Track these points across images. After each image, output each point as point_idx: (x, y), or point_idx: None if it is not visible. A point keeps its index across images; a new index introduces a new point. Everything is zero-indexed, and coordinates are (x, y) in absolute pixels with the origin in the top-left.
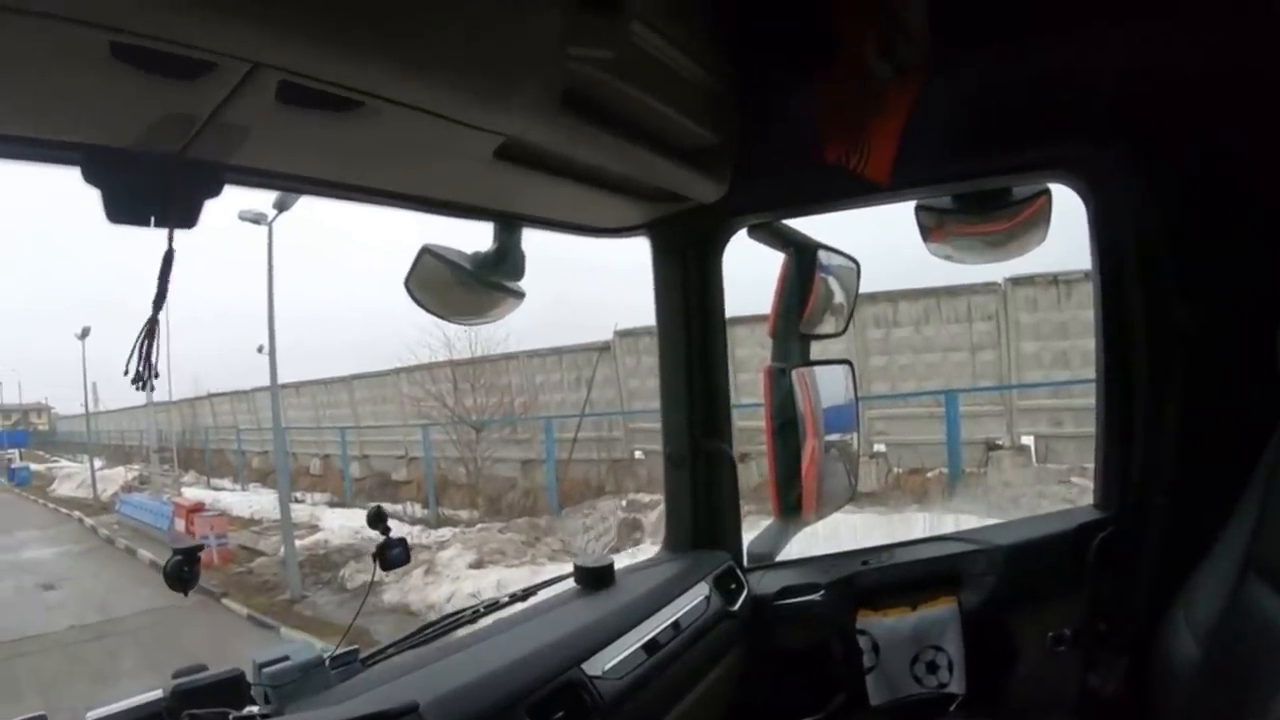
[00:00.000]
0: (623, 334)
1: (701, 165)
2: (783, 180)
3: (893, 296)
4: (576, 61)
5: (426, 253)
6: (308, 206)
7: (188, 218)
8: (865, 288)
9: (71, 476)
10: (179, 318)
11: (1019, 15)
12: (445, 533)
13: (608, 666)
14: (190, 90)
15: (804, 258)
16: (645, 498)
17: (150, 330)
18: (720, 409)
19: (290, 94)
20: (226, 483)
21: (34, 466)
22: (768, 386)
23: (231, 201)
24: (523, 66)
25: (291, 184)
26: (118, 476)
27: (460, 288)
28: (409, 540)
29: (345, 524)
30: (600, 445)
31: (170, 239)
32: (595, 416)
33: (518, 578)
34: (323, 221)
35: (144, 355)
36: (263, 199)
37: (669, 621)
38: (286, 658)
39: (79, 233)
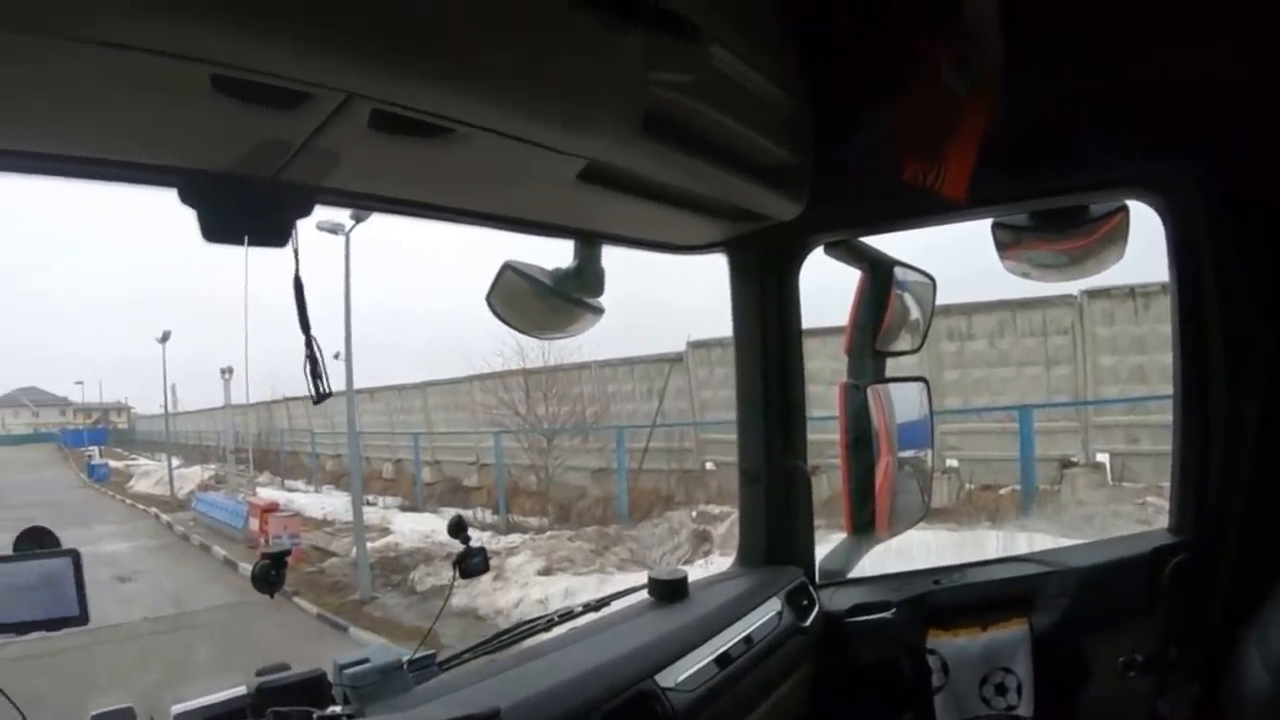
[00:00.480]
0: (695, 345)
1: (778, 184)
2: (859, 198)
3: (966, 309)
4: (657, 85)
5: (508, 269)
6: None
7: (279, 237)
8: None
9: (149, 474)
10: (257, 323)
11: (1095, 32)
12: (515, 539)
13: (680, 679)
14: (287, 118)
15: (880, 275)
16: (715, 509)
17: (310, 353)
18: (796, 425)
19: (381, 121)
20: (300, 484)
21: (112, 463)
22: (843, 402)
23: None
24: (605, 91)
25: (380, 205)
26: (194, 475)
27: (540, 302)
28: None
29: (416, 528)
30: (671, 456)
31: (296, 265)
32: (667, 427)
33: (585, 586)
34: (381, 235)
35: (313, 373)
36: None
37: (741, 636)
38: (367, 660)
39: (164, 242)
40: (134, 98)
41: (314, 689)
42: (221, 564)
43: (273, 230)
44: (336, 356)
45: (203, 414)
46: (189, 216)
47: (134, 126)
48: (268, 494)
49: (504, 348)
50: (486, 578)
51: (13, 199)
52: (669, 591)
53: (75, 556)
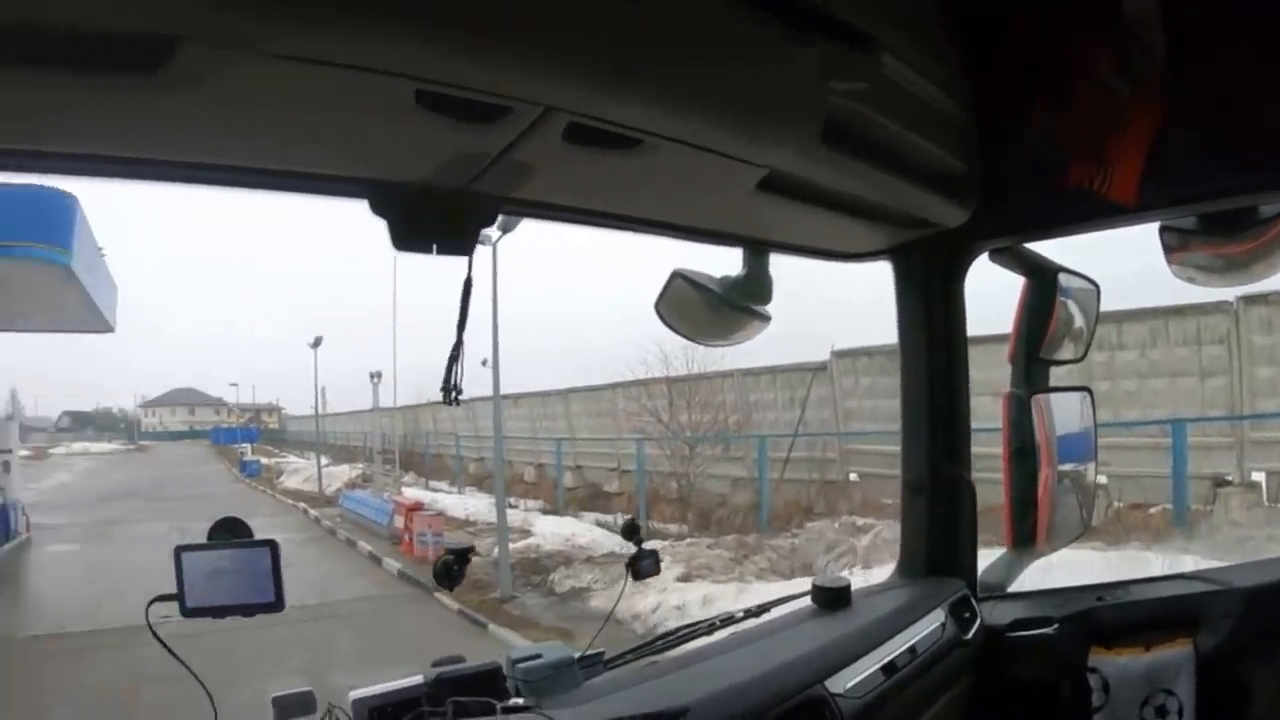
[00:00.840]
0: (840, 354)
1: (946, 190)
2: (1025, 203)
3: (1118, 317)
4: (834, 94)
5: (678, 277)
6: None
7: (466, 246)
8: None
9: (298, 471)
10: (405, 330)
11: (1262, 23)
12: (654, 545)
13: (849, 685)
14: (485, 131)
15: (1044, 281)
16: (859, 521)
17: (455, 353)
18: (961, 435)
19: (576, 133)
20: (443, 485)
21: (263, 460)
22: (1006, 411)
23: None
24: (786, 102)
25: (561, 214)
26: (341, 474)
27: (708, 310)
28: (616, 550)
29: (556, 531)
30: (813, 466)
31: (469, 268)
32: (809, 436)
33: (724, 593)
34: (523, 241)
35: (451, 373)
36: None
37: (906, 646)
38: (539, 655)
39: (319, 251)
40: (338, 113)
41: (489, 681)
42: (366, 558)
43: (459, 239)
44: (484, 363)
45: (350, 416)
46: (347, 226)
47: (333, 140)
48: (412, 493)
49: (648, 355)
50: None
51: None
52: (832, 599)
53: (273, 546)
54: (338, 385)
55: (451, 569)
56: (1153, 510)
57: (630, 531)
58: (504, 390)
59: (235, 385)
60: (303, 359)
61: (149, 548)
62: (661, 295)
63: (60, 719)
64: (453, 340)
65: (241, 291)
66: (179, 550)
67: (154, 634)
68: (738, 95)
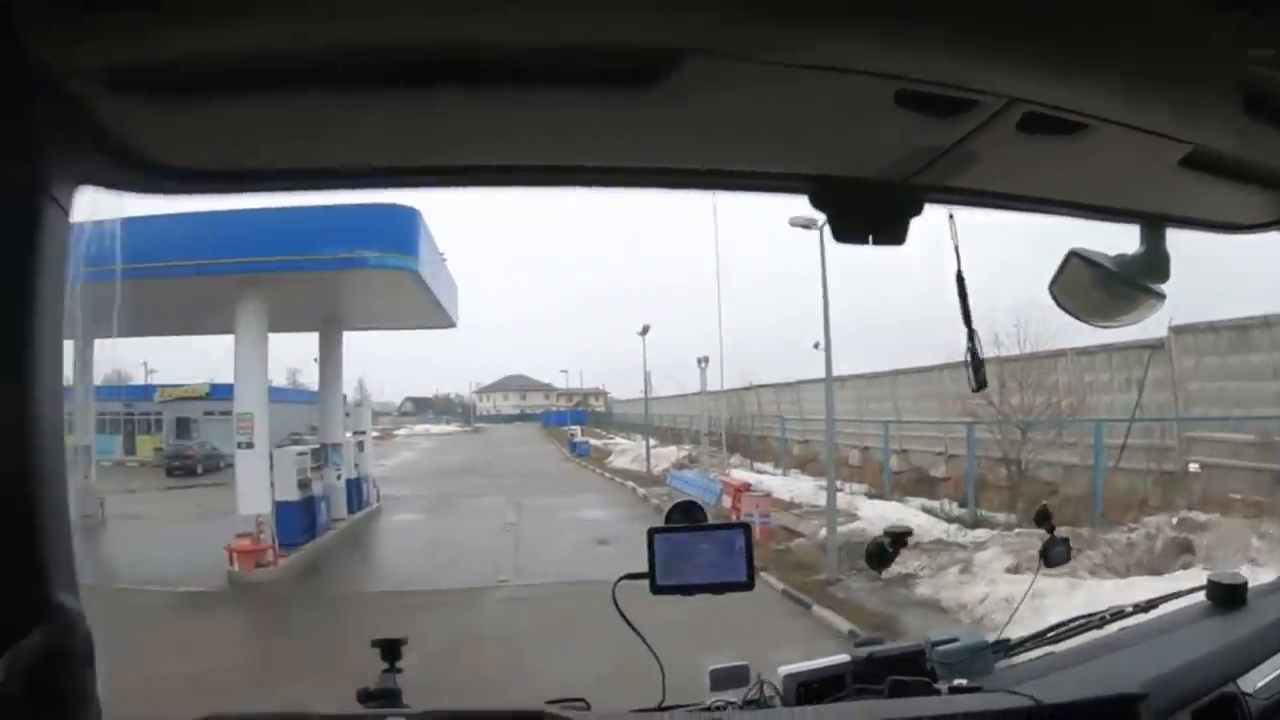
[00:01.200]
0: (1178, 330)
1: None
2: None
3: None
4: (1256, 64)
5: (1074, 256)
6: None
7: (899, 235)
8: None
9: (625, 452)
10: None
11: None
12: (981, 534)
13: (1258, 685)
14: (945, 125)
15: None
16: (1200, 517)
17: (971, 345)
18: None
19: (1029, 122)
20: (768, 467)
21: (591, 441)
22: None
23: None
24: (1210, 75)
25: (990, 201)
26: (668, 454)
27: (1099, 290)
28: (943, 538)
29: (883, 515)
30: (1149, 454)
31: (959, 264)
32: (1145, 422)
33: (1054, 587)
34: None
35: (974, 364)
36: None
37: None
38: (956, 639)
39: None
40: (805, 112)
41: (914, 661)
42: None
43: (894, 230)
44: (816, 346)
45: (675, 399)
46: (676, 220)
47: (793, 140)
48: (738, 474)
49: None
50: (954, 570)
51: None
52: (1229, 596)
53: (747, 529)
54: (661, 370)
55: (885, 551)
56: None
57: (1042, 519)
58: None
59: (565, 372)
60: (629, 345)
61: (486, 520)
62: (1057, 275)
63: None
64: (965, 331)
65: (572, 285)
66: (651, 532)
67: (616, 608)
68: (1164, 71)
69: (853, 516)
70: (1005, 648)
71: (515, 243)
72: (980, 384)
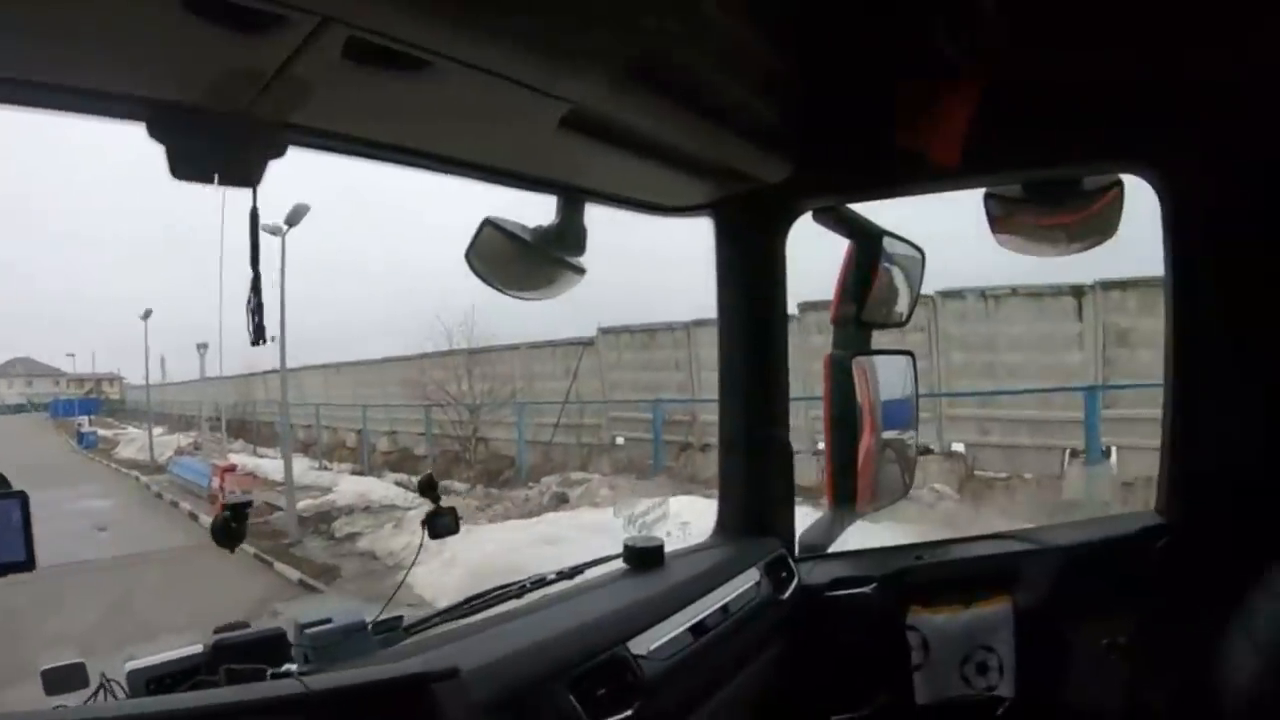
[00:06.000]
0: (605, 331)
1: (767, 144)
2: (849, 163)
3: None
4: (645, 32)
5: (488, 224)
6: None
7: (251, 176)
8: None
9: (134, 441)
10: (233, 299)
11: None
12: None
13: (653, 646)
14: (259, 44)
15: (868, 244)
16: (575, 476)
17: (255, 286)
18: (779, 395)
19: (357, 51)
20: (271, 452)
21: (102, 432)
22: (827, 375)
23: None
24: (591, 32)
25: (354, 147)
26: (174, 442)
27: (520, 262)
28: (398, 504)
29: (355, 489)
30: (583, 431)
31: (255, 199)
32: (578, 404)
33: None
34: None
35: (253, 311)
36: (276, 212)
37: (717, 605)
38: (329, 620)
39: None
40: (100, 17)
41: (272, 647)
42: (186, 516)
43: (243, 169)
44: (273, 339)
45: (188, 385)
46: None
47: (101, 50)
48: (239, 459)
49: (434, 330)
50: (389, 526)
51: None
52: (644, 559)
53: (23, 499)
54: (177, 352)
55: (230, 525)
56: None
57: (427, 488)
58: (328, 359)
59: (72, 355)
60: (139, 329)
61: None
62: (472, 244)
63: None
64: (250, 275)
65: (74, 256)
66: None
67: None
68: (534, 19)
69: (329, 491)
70: (397, 626)
71: None
72: (261, 340)
